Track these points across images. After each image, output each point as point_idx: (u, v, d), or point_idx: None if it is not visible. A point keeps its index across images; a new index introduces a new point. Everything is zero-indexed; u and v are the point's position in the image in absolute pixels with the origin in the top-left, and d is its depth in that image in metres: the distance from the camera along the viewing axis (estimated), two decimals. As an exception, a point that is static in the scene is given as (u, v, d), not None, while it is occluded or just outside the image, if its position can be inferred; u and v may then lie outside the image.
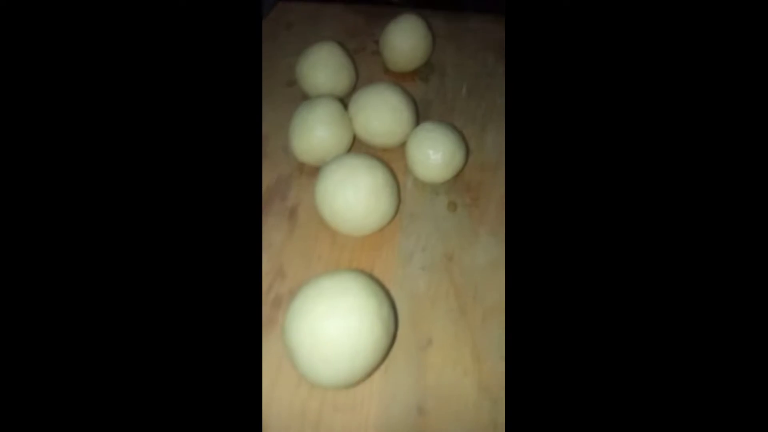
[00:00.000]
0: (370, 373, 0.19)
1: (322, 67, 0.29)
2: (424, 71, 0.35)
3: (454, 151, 0.25)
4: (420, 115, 0.31)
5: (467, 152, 0.26)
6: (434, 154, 0.24)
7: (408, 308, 0.21)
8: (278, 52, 0.37)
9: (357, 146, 0.28)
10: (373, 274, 0.22)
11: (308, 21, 0.41)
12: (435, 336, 0.20)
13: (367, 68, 0.35)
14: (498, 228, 0.24)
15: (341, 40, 0.38)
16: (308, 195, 0.25)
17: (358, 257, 0.23)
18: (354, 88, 0.32)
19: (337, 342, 0.17)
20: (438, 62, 0.36)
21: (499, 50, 0.37)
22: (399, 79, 0.34)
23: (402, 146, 0.27)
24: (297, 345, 0.17)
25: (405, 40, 0.32)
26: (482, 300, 0.21)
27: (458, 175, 0.26)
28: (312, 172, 0.27)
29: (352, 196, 0.21)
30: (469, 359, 0.20)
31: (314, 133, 0.25)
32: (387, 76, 0.34)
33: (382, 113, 0.26)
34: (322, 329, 0.17)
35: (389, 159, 0.27)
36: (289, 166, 0.27)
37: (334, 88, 0.30)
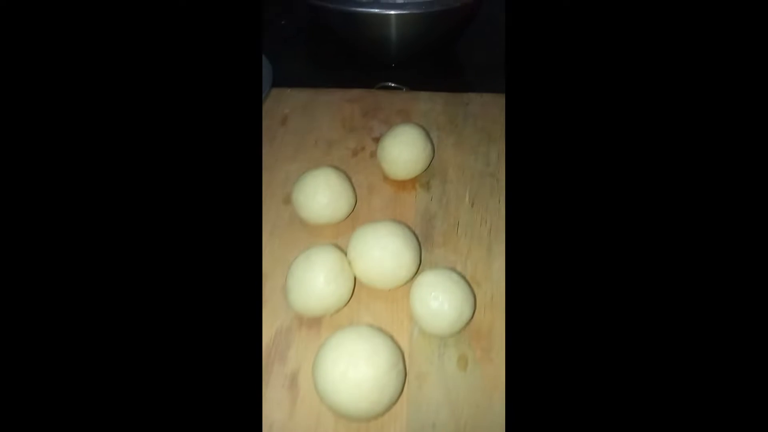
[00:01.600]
0: None
1: (320, 196, 0.27)
2: (425, 176, 0.32)
3: (461, 305, 0.23)
4: (424, 237, 0.29)
5: (475, 301, 0.24)
6: (440, 309, 0.22)
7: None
8: (275, 157, 0.35)
9: (359, 287, 0.26)
10: None
11: (303, 113, 0.39)
12: None
13: (367, 176, 0.33)
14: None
15: (339, 138, 0.36)
16: (309, 354, 0.23)
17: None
18: (353, 207, 0.30)
19: None
20: (439, 164, 0.33)
21: (500, 140, 0.35)
22: (399, 187, 0.32)
23: (407, 284, 0.26)
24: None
25: (402, 152, 0.30)
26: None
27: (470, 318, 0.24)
28: (312, 323, 0.25)
29: (355, 394, 0.19)
30: None
31: (313, 291, 0.23)
32: (386, 183, 0.33)
33: (382, 261, 0.24)
34: None
35: (393, 302, 0.25)
36: (288, 316, 0.25)
37: (333, 217, 0.28)
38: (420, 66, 0.46)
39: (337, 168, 0.30)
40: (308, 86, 0.43)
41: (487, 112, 0.38)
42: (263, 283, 0.27)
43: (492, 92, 0.39)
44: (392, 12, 0.39)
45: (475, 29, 0.46)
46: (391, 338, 0.22)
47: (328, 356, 0.20)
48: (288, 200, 0.31)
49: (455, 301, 0.22)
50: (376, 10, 0.38)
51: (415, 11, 0.39)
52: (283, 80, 0.42)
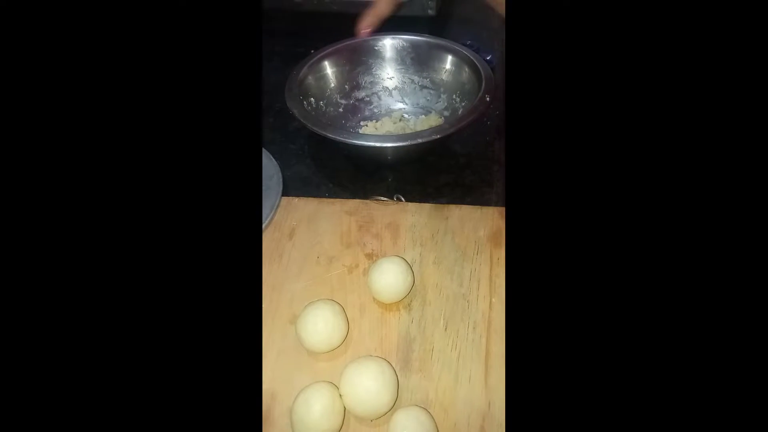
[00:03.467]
0: None
1: (318, 334, 0.32)
2: (408, 298, 0.37)
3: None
4: (402, 360, 0.34)
5: None
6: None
7: None
8: (283, 275, 0.39)
9: (348, 415, 0.31)
10: None
11: (308, 226, 0.44)
12: None
13: (359, 296, 0.38)
14: None
15: (337, 253, 0.41)
16: (308, 475, 0.29)
17: None
18: (347, 334, 0.35)
19: None
20: (420, 283, 0.38)
21: (473, 257, 0.39)
22: (385, 309, 0.37)
23: (388, 413, 0.30)
24: None
25: (386, 285, 0.35)
26: None
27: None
28: (311, 447, 0.30)
29: None
30: None
31: (311, 426, 0.28)
32: (374, 304, 0.37)
33: (367, 398, 0.29)
34: None
35: (375, 428, 0.30)
36: (292, 438, 0.31)
37: (329, 346, 0.33)
38: (414, 165, 0.51)
39: (332, 300, 0.35)
40: (312, 186, 0.48)
41: (463, 227, 0.42)
42: (273, 404, 0.32)
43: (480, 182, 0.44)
44: (389, 144, 0.44)
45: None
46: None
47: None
48: (293, 320, 0.36)
49: (423, 440, 0.27)
50: (372, 144, 0.43)
51: (410, 142, 0.43)
52: (290, 181, 0.48)
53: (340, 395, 0.30)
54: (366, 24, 0.51)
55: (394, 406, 0.31)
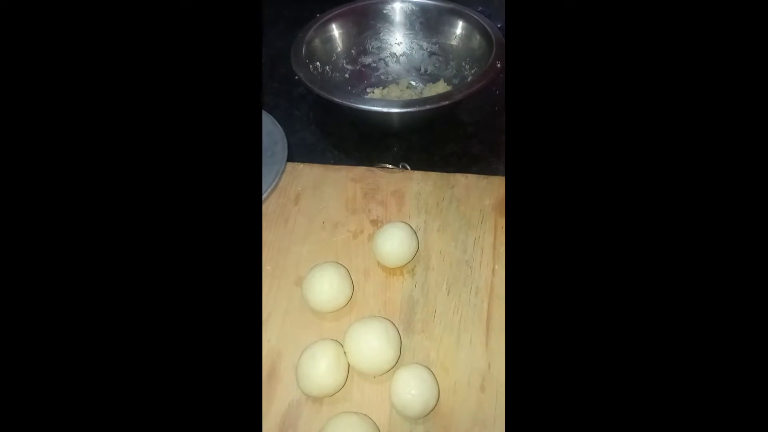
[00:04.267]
0: None
1: (324, 294, 0.33)
2: (412, 263, 0.37)
3: (428, 399, 0.28)
4: (405, 321, 0.35)
5: (439, 391, 0.29)
6: (412, 401, 0.28)
7: None
8: (288, 239, 0.40)
9: (352, 372, 0.31)
10: None
11: (314, 191, 0.43)
12: None
13: (363, 260, 0.38)
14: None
15: (343, 219, 0.41)
16: (314, 426, 0.29)
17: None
18: (351, 296, 0.35)
19: None
20: (425, 249, 0.38)
21: (477, 227, 0.39)
22: (389, 273, 0.37)
23: (391, 371, 0.31)
24: None
25: (391, 250, 0.35)
26: None
27: (435, 404, 0.30)
28: (315, 401, 0.31)
29: None
30: None
31: (316, 381, 0.29)
32: (379, 268, 0.38)
33: (370, 355, 0.30)
34: None
35: (378, 385, 0.31)
36: (299, 392, 0.31)
37: (334, 306, 0.34)
38: (420, 133, 0.50)
39: (337, 263, 0.36)
40: (317, 153, 0.48)
41: (469, 196, 0.42)
42: (279, 360, 0.33)
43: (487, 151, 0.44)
44: (395, 110, 0.43)
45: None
46: (372, 422, 0.28)
47: (326, 438, 0.27)
48: (298, 282, 0.37)
49: (424, 396, 0.28)
50: (379, 108, 0.43)
51: (417, 108, 0.43)
52: (295, 147, 0.48)
53: (345, 352, 0.31)
54: None
55: (397, 364, 0.31)
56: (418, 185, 0.43)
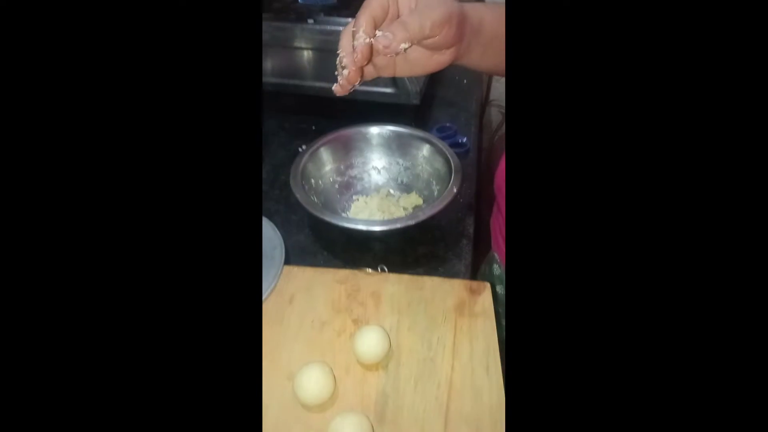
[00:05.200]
0: None
1: (310, 392, 0.41)
2: (386, 359, 0.45)
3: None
4: (378, 413, 0.41)
5: None
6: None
7: None
8: (283, 336, 0.48)
9: None
10: None
11: (306, 292, 0.52)
12: None
13: (344, 357, 0.46)
14: None
15: (329, 319, 0.49)
16: None
17: None
18: (334, 389, 0.43)
19: None
20: (397, 347, 0.46)
21: (441, 326, 0.47)
22: (366, 368, 0.45)
23: None
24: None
25: (366, 351, 0.44)
26: None
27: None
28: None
29: None
30: None
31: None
32: (358, 364, 0.46)
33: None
34: None
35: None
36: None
37: (321, 399, 0.41)
38: (397, 237, 0.59)
39: (322, 362, 0.43)
40: (310, 254, 0.57)
41: (434, 297, 0.51)
42: (272, 450, 0.39)
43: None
44: (376, 228, 0.53)
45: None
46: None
47: None
48: (290, 377, 0.44)
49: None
50: (362, 227, 0.53)
51: (390, 227, 0.53)
52: (291, 249, 0.57)
53: (327, 444, 0.38)
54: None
55: (370, 454, 0.38)
56: (392, 287, 0.52)
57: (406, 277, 0.53)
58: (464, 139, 0.73)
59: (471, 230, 0.61)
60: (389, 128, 0.65)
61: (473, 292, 0.51)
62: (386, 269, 0.55)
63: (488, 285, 0.52)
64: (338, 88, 0.35)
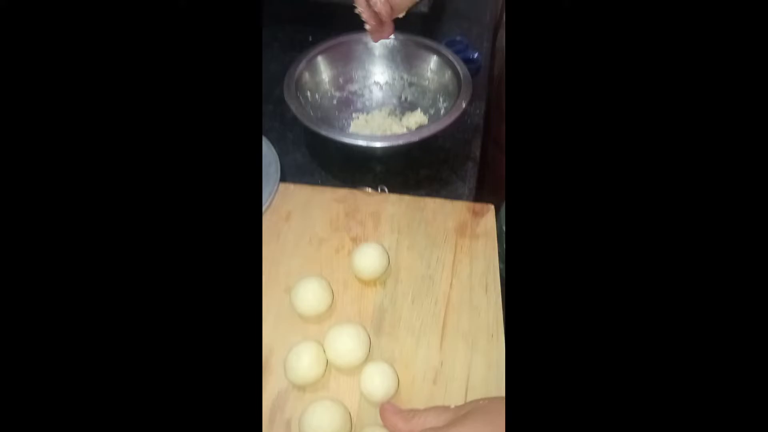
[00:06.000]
0: None
1: (308, 302, 0.41)
2: (384, 276, 0.45)
3: (389, 387, 0.36)
4: (376, 325, 0.42)
5: (398, 383, 0.37)
6: (376, 389, 0.36)
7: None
8: (280, 252, 0.47)
9: (330, 367, 0.39)
10: None
11: (303, 211, 0.51)
12: None
13: (342, 273, 0.45)
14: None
15: (327, 236, 0.48)
16: (298, 409, 0.37)
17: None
18: (331, 303, 0.43)
19: None
20: (395, 265, 0.46)
21: (441, 246, 0.47)
22: (364, 284, 0.45)
23: (361, 365, 0.39)
24: None
25: (365, 267, 0.43)
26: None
27: (395, 393, 0.38)
28: (300, 389, 0.38)
29: None
30: None
31: (300, 373, 0.37)
32: (356, 281, 0.45)
33: (344, 354, 0.38)
34: None
35: (351, 377, 0.39)
36: (286, 382, 0.39)
37: (317, 312, 0.41)
38: (398, 158, 0.57)
39: (320, 276, 0.43)
40: (306, 173, 0.55)
41: (435, 218, 0.50)
42: (270, 356, 0.40)
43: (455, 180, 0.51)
44: (377, 144, 0.50)
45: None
46: (344, 406, 0.36)
47: (307, 418, 0.35)
48: (288, 291, 0.44)
49: (386, 386, 0.36)
50: (362, 143, 0.49)
51: (392, 143, 0.50)
52: (287, 167, 0.54)
53: (324, 350, 0.39)
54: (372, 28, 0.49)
55: (366, 361, 0.39)
56: (392, 207, 0.51)
57: (407, 198, 0.52)
58: (476, 55, 0.67)
59: (477, 153, 0.58)
60: (393, 37, 0.59)
61: (476, 213, 0.50)
62: (386, 190, 0.53)
63: (492, 207, 0.50)
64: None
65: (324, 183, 0.55)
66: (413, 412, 0.33)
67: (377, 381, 0.36)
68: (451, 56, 0.56)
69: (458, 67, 0.55)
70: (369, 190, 0.52)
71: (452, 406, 0.32)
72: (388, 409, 0.34)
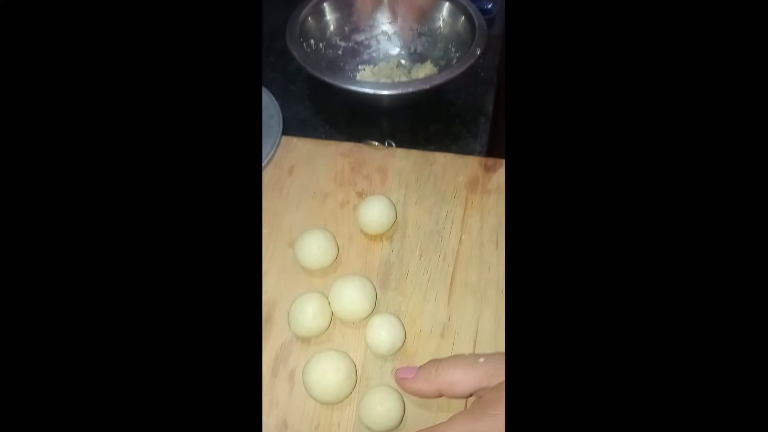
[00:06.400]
0: None
1: (312, 255, 0.39)
2: (390, 231, 0.43)
3: (395, 340, 0.35)
4: (382, 280, 0.41)
5: (405, 335, 0.36)
6: (382, 342, 0.35)
7: None
8: (283, 206, 0.46)
9: (334, 320, 0.38)
10: (339, 428, 0.34)
11: (306, 164, 0.49)
12: None
13: (348, 228, 0.44)
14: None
15: (331, 191, 0.47)
16: (301, 361, 0.36)
17: (330, 414, 0.34)
18: (336, 257, 0.42)
19: None
20: (402, 220, 0.44)
21: (451, 201, 0.45)
22: (370, 239, 0.43)
23: (366, 318, 0.38)
24: None
25: (371, 220, 0.41)
26: None
27: (402, 346, 0.37)
28: (304, 341, 0.38)
29: (325, 391, 0.33)
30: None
31: (304, 324, 0.36)
32: (361, 235, 0.44)
33: (349, 306, 0.37)
34: None
35: (356, 330, 0.38)
36: (290, 334, 0.38)
37: (322, 265, 0.40)
38: (407, 112, 0.54)
39: (325, 228, 0.42)
40: (310, 127, 0.53)
41: (445, 173, 0.47)
42: (273, 309, 0.40)
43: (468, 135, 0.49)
44: (384, 92, 0.47)
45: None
46: (350, 358, 0.35)
47: (311, 368, 0.34)
48: (291, 244, 0.43)
49: (392, 338, 0.35)
50: (368, 90, 0.47)
51: (401, 91, 0.47)
52: (290, 121, 0.52)
53: (329, 302, 0.38)
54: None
55: (372, 314, 0.38)
56: (400, 162, 0.49)
57: (415, 152, 0.49)
58: (490, 5, 0.63)
59: (490, 108, 0.55)
60: (404, -17, 0.56)
61: (488, 169, 0.48)
62: (393, 144, 0.51)
63: (503, 162, 0.48)
64: None
65: (328, 138, 0.53)
66: (434, 367, 0.29)
67: (384, 333, 0.35)
68: (464, 1, 0.53)
69: (473, 14, 0.51)
70: (375, 143, 0.50)
71: (480, 359, 0.28)
72: (404, 375, 0.30)
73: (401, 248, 0.43)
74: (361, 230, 0.44)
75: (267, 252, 0.43)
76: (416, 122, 0.54)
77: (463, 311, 0.39)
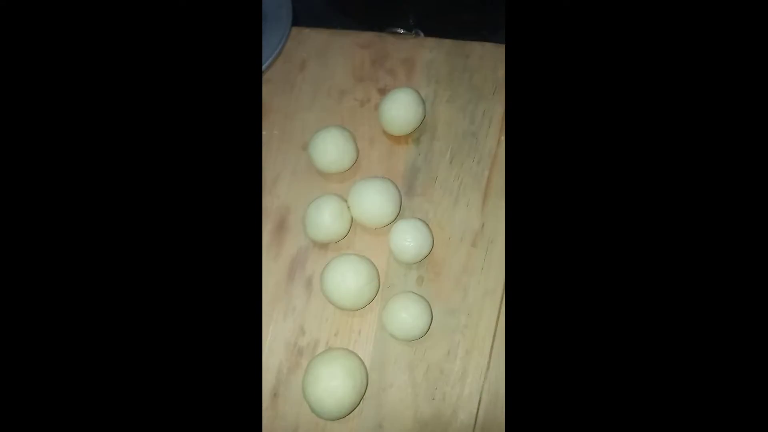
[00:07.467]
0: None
1: (329, 155, 0.35)
2: (417, 132, 0.38)
3: (422, 246, 0.32)
4: (408, 186, 0.37)
5: (433, 242, 0.33)
6: (408, 248, 0.32)
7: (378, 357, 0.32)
8: (294, 105, 0.41)
9: (354, 225, 0.35)
10: (360, 335, 0.32)
11: (320, 58, 0.43)
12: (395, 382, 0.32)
13: (369, 128, 0.39)
14: (451, 302, 0.32)
15: (349, 87, 0.41)
16: (318, 267, 0.34)
17: (350, 321, 0.33)
18: (356, 160, 0.37)
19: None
20: (432, 119, 0.39)
21: (489, 98, 0.39)
22: (394, 141, 0.38)
23: (389, 225, 0.34)
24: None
25: (397, 116, 0.36)
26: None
27: (429, 253, 0.34)
28: (321, 246, 0.35)
29: (346, 297, 0.31)
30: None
31: (322, 228, 0.33)
32: (384, 136, 0.39)
33: (371, 210, 0.33)
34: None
35: (377, 237, 0.35)
36: (307, 240, 0.35)
37: (339, 169, 0.36)
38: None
39: (342, 127, 0.37)
40: (323, 19, 0.46)
41: (483, 66, 0.41)
42: (287, 215, 0.37)
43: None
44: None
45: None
46: (372, 262, 0.33)
47: (330, 272, 0.32)
48: (305, 147, 0.39)
49: (419, 243, 0.32)
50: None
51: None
52: (300, 13, 0.45)
53: (348, 206, 0.34)
54: None
55: (396, 219, 0.35)
56: (430, 53, 0.42)
57: (447, 42, 0.42)
58: None
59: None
60: None
61: (534, 60, 0.41)
62: (422, 34, 0.44)
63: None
64: None
65: (345, 28, 0.46)
66: None
67: (409, 239, 0.32)
68: None
69: None
70: (401, 31, 0.43)
71: None
72: None
73: (430, 151, 0.38)
74: (384, 131, 0.39)
75: (279, 155, 0.39)
76: (448, 8, 0.46)
77: (499, 219, 0.35)
